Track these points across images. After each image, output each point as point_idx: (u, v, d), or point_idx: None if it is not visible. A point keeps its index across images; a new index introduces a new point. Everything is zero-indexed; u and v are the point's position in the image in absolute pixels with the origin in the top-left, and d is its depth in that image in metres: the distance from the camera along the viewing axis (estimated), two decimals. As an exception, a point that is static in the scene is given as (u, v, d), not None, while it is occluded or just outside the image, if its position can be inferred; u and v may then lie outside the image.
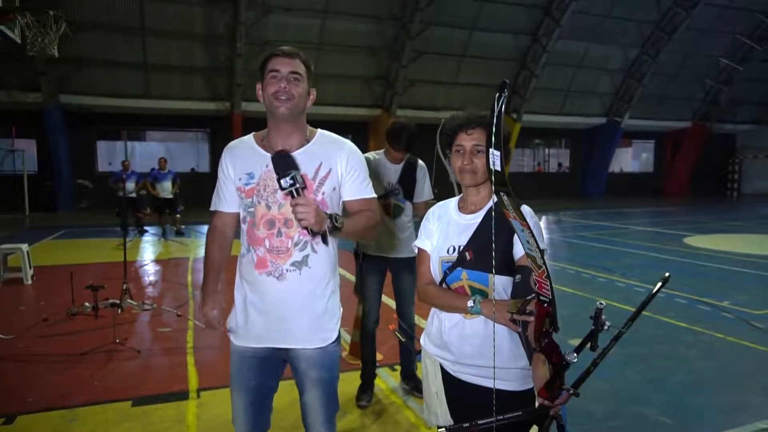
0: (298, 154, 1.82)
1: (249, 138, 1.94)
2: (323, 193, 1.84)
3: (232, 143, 1.97)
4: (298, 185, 1.68)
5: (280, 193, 1.78)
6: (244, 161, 1.88)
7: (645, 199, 23.19)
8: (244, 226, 1.90)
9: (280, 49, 1.82)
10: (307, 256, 1.83)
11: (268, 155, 1.82)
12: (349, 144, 1.92)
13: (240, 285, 1.92)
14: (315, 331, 1.86)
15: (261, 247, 1.83)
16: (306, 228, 1.72)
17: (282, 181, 1.68)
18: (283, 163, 1.72)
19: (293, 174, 1.68)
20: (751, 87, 24.37)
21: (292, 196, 1.69)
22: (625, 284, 6.76)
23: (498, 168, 1.13)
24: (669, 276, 1.43)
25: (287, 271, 1.82)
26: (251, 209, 1.85)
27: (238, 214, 1.93)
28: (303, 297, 1.84)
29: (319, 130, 1.93)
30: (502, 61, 19.96)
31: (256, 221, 1.84)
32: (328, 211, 1.79)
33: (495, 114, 1.10)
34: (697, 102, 24.36)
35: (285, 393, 3.00)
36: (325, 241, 1.84)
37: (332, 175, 1.85)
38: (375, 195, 1.95)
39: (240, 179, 1.87)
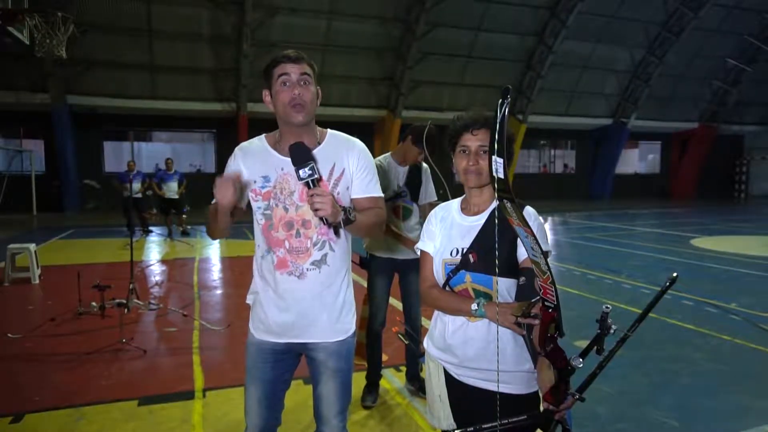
0: None
1: (261, 140, 1.94)
2: (338, 193, 1.87)
3: (245, 144, 1.96)
4: (316, 176, 1.71)
5: (296, 196, 1.84)
6: (259, 163, 1.88)
7: (651, 200, 23.09)
8: (258, 227, 1.91)
9: (285, 55, 1.80)
10: (325, 254, 1.88)
11: (284, 158, 1.83)
12: (359, 143, 1.95)
13: (260, 283, 1.95)
14: (335, 325, 1.92)
15: (281, 248, 1.87)
16: (321, 219, 1.74)
17: (300, 172, 1.70)
18: (301, 154, 1.73)
19: (311, 165, 1.71)
20: (759, 88, 24.23)
21: (309, 187, 1.71)
22: (631, 286, 6.73)
23: (501, 175, 1.13)
24: (677, 276, 1.41)
25: (308, 270, 1.87)
26: (267, 212, 1.87)
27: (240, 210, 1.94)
28: (323, 293, 1.90)
29: (329, 131, 1.95)
30: (507, 62, 19.94)
31: (273, 223, 1.87)
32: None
33: (498, 121, 1.10)
34: (705, 103, 24.24)
35: (297, 393, 3.02)
36: (337, 234, 1.88)
37: (345, 175, 1.89)
38: (382, 194, 1.99)
39: (255, 182, 1.88)
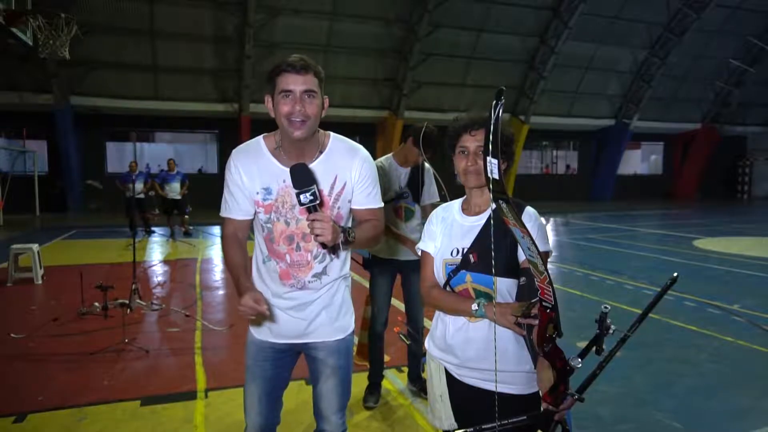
0: (312, 168, 1.77)
1: (260, 143, 1.85)
2: (339, 208, 1.86)
3: (242, 148, 1.88)
4: (317, 201, 1.64)
5: (297, 209, 1.79)
6: (259, 173, 1.82)
7: (654, 201, 23.04)
8: (260, 236, 1.90)
9: (291, 64, 1.69)
10: (326, 266, 1.89)
11: (284, 169, 1.77)
12: (362, 152, 1.89)
13: (259, 285, 1.94)
14: (334, 325, 1.94)
15: (282, 261, 1.87)
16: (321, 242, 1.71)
17: (301, 197, 1.62)
18: (302, 178, 1.65)
19: (313, 190, 1.63)
20: (762, 89, 24.16)
21: (309, 212, 1.65)
22: (633, 287, 6.71)
23: (495, 176, 1.13)
24: (677, 276, 1.41)
25: (309, 282, 1.89)
26: (269, 224, 1.86)
27: (250, 219, 1.90)
28: (323, 296, 1.92)
29: (332, 136, 1.89)
30: (510, 62, 19.92)
31: (274, 237, 1.86)
32: (342, 224, 1.84)
33: (492, 121, 1.10)
34: (707, 104, 24.18)
35: (298, 393, 3.03)
36: (336, 254, 1.88)
37: (346, 188, 1.86)
38: (382, 205, 1.96)
39: (257, 193, 1.83)
